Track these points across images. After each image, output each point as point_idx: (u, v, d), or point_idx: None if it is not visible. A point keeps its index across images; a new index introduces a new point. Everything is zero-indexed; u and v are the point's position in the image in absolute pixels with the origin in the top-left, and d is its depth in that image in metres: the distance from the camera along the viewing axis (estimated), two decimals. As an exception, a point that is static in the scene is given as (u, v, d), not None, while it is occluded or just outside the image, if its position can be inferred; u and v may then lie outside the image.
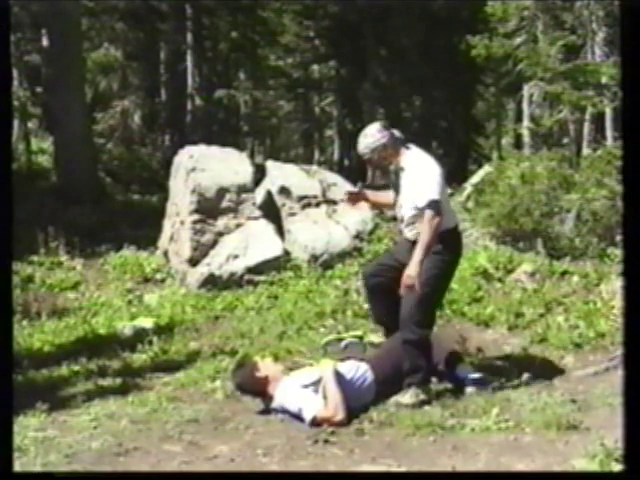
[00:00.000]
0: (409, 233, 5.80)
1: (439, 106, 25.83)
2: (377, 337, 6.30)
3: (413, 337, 5.55)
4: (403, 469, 4.17)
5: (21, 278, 9.50)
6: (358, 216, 10.06)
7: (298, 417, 5.20)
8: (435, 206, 5.50)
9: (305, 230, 9.68)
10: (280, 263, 9.19)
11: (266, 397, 5.45)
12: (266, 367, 5.54)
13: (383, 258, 6.44)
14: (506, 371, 6.08)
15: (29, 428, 5.07)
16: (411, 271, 5.47)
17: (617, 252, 8.56)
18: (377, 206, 6.87)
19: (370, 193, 6.31)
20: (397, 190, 5.86)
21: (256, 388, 5.47)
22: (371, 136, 5.79)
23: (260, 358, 5.86)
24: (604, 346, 6.52)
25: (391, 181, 5.99)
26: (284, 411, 5.33)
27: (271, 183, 10.35)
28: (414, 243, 5.63)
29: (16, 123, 19.18)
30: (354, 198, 6.19)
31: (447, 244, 5.67)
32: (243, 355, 6.35)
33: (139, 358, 7.04)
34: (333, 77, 28.29)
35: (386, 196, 6.23)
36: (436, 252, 5.58)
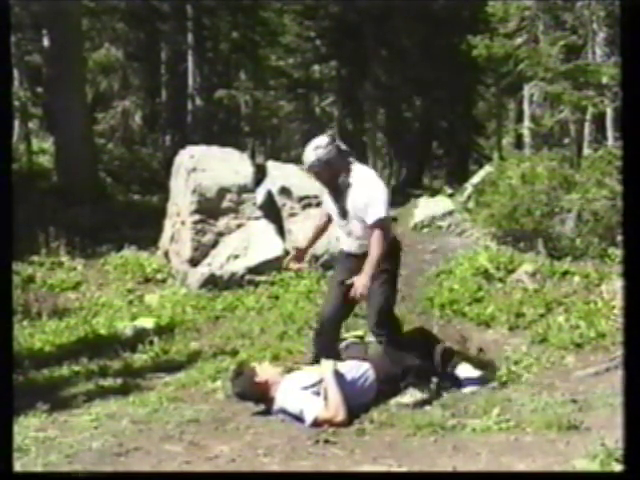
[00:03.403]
0: (357, 247, 5.84)
1: (440, 106, 25.82)
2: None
3: (385, 338, 5.71)
4: (404, 469, 4.16)
5: (22, 278, 9.50)
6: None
7: (299, 419, 5.20)
8: (386, 224, 5.60)
9: (306, 230, 9.67)
10: (281, 263, 9.18)
11: (268, 401, 5.45)
12: (264, 371, 5.53)
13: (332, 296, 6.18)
14: (507, 371, 6.09)
15: (30, 428, 5.07)
16: (365, 281, 5.54)
17: (618, 252, 8.57)
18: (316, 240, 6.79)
19: (305, 242, 6.43)
20: (342, 204, 5.77)
21: (257, 394, 5.46)
22: (322, 148, 5.65)
23: (257, 363, 5.86)
24: (605, 346, 6.51)
25: (332, 196, 5.87)
26: (285, 413, 5.33)
27: (272, 183, 10.36)
28: (362, 256, 5.68)
29: (17, 123, 19.17)
30: (298, 258, 6.36)
31: (390, 255, 5.74)
32: (240, 362, 6.34)
33: (140, 358, 7.05)
34: (334, 77, 28.27)
35: (318, 227, 6.26)
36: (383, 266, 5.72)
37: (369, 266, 5.56)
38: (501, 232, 10.07)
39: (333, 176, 5.70)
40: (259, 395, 5.46)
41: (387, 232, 5.62)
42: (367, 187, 5.64)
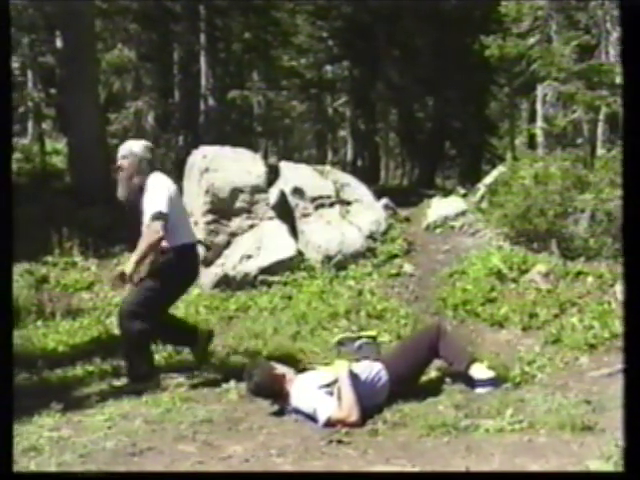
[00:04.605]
0: None
1: (452, 106, 25.74)
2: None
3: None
4: (417, 469, 4.15)
5: (36, 278, 9.54)
6: (371, 216, 10.08)
7: (312, 418, 5.20)
8: (157, 215, 5.90)
9: (318, 231, 9.69)
10: (294, 264, 9.20)
11: (283, 396, 5.44)
12: (281, 367, 5.56)
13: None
14: (520, 372, 6.07)
15: (44, 428, 5.09)
16: (126, 268, 5.92)
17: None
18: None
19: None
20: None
21: (274, 386, 5.43)
22: (135, 145, 6.31)
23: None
24: (618, 347, 6.47)
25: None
26: (298, 412, 5.33)
27: (284, 183, 10.37)
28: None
29: (30, 124, 19.29)
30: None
31: (170, 260, 6.08)
32: (253, 358, 6.34)
33: (153, 358, 7.05)
34: (346, 77, 28.28)
35: None
36: (159, 267, 6.08)
37: (134, 253, 5.96)
38: (514, 232, 10.03)
39: (131, 171, 6.20)
40: (276, 387, 5.42)
41: (158, 221, 5.89)
42: (153, 188, 6.08)
